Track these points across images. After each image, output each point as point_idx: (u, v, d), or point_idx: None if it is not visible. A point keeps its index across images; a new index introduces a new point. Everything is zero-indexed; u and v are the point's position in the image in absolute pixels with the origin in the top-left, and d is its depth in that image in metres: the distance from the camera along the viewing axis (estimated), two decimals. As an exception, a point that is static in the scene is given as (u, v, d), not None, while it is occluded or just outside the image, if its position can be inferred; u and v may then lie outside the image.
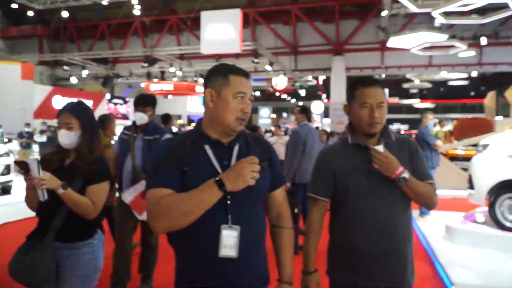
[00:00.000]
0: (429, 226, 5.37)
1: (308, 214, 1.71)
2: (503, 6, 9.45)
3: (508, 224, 4.51)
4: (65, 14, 15.84)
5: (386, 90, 23.48)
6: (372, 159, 1.53)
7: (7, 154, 7.66)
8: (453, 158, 9.93)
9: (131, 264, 3.24)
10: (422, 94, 30.88)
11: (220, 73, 1.36)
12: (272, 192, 1.47)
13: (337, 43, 18.37)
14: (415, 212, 1.46)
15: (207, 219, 1.26)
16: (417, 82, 22.43)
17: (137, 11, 15.44)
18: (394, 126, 32.66)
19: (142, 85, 20.16)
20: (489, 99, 13.97)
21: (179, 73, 19.32)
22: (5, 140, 11.08)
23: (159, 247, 3.44)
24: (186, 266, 1.35)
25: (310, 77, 21.32)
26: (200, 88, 20.38)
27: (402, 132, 27.22)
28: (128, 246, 3.24)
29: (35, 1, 16.06)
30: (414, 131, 17.39)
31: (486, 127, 9.67)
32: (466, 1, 8.44)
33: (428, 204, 1.62)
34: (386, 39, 14.02)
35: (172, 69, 18.92)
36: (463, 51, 13.85)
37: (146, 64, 17.71)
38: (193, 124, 22.07)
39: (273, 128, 17.72)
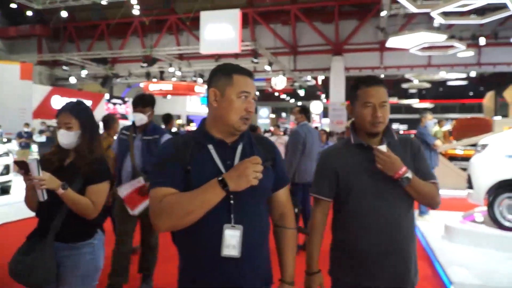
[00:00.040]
0: (428, 226, 5.38)
1: (310, 214, 1.71)
2: (502, 7, 9.47)
3: (507, 224, 4.52)
4: (64, 14, 15.82)
5: (385, 90, 23.32)
6: (375, 159, 1.52)
7: (6, 154, 7.65)
8: (452, 158, 9.95)
9: (130, 265, 3.23)
10: (421, 94, 30.89)
11: (224, 72, 1.36)
12: (276, 192, 1.46)
13: (336, 43, 18.39)
14: (414, 212, 1.48)
15: (210, 218, 1.26)
16: (416, 82, 22.44)
17: (136, 11, 15.43)
18: (393, 126, 32.56)
19: (141, 85, 20.14)
20: (488, 99, 13.97)
21: (178, 73, 19.31)
22: (4, 140, 11.06)
23: (159, 247, 3.44)
24: (189, 265, 1.35)
25: (309, 77, 21.34)
26: (199, 88, 20.37)
27: (401, 132, 27.23)
28: (129, 246, 3.23)
29: (34, 1, 16.04)
30: (413, 131, 17.40)
31: (485, 127, 9.67)
32: (465, 2, 8.46)
33: (431, 203, 1.62)
34: (385, 39, 14.04)
35: (171, 69, 18.91)
36: (462, 51, 13.88)
37: (145, 64, 17.70)
38: (192, 124, 22.09)
39: (272, 128, 17.74)
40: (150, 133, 3.17)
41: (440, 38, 11.75)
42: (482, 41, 14.97)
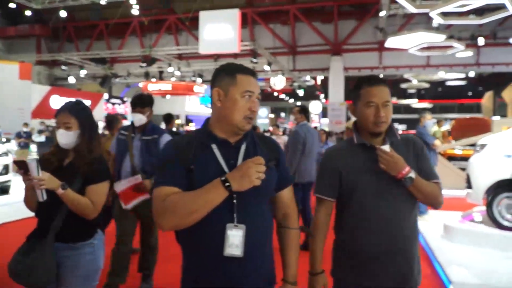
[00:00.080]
0: (428, 226, 5.40)
1: (314, 214, 1.70)
2: (501, 7, 9.49)
3: (506, 223, 4.53)
4: (63, 13, 15.78)
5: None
6: (378, 159, 1.52)
7: (5, 154, 7.64)
8: (451, 158, 9.96)
9: (129, 265, 3.22)
10: (420, 94, 30.94)
11: (227, 72, 1.36)
12: (279, 192, 1.46)
13: (336, 43, 18.40)
14: (417, 212, 1.48)
15: (213, 218, 1.26)
16: (415, 82, 22.47)
17: (135, 11, 15.41)
18: (392, 126, 32.55)
19: (140, 85, 20.12)
20: (487, 99, 14.01)
21: (178, 73, 19.30)
22: (3, 140, 11.04)
23: (159, 247, 3.43)
24: (192, 264, 1.36)
25: (308, 77, 21.34)
26: (198, 88, 20.37)
27: (400, 132, 27.20)
28: (129, 246, 3.22)
29: (33, 0, 16.01)
30: (412, 131, 17.43)
31: (484, 127, 9.69)
32: (464, 2, 8.48)
33: (433, 203, 1.61)
34: (384, 39, 14.05)
35: (170, 69, 18.89)
36: (461, 52, 13.89)
37: (144, 64, 17.68)
38: (191, 124, 22.08)
39: (271, 128, 17.75)
40: (149, 133, 3.16)
41: (439, 38, 11.77)
42: (481, 41, 14.99)
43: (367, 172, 1.57)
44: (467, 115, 21.16)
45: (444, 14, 10.23)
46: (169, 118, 6.06)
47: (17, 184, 7.40)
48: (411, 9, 10.02)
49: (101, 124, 14.57)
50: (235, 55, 18.32)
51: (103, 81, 20.07)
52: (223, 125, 1.36)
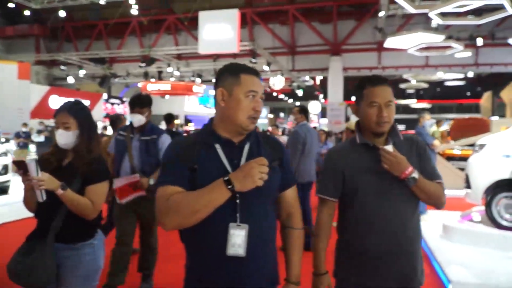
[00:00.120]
0: (427, 225, 5.41)
1: (317, 215, 1.69)
2: (499, 7, 9.51)
3: (504, 223, 4.54)
4: (62, 13, 15.77)
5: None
6: (381, 159, 1.51)
7: (4, 154, 7.63)
8: (450, 158, 9.98)
9: (129, 266, 3.21)
10: (419, 94, 30.98)
11: (231, 72, 1.36)
12: (283, 192, 1.46)
13: (335, 43, 18.43)
14: (419, 212, 1.48)
15: (216, 217, 1.26)
16: (413, 82, 22.49)
17: (134, 10, 15.40)
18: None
19: (140, 85, 20.12)
20: (485, 99, 14.06)
21: (177, 73, 19.29)
22: (2, 140, 11.02)
23: (158, 247, 3.43)
24: (195, 264, 1.36)
25: (307, 77, 21.36)
26: (197, 88, 20.37)
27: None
28: (129, 247, 3.21)
29: (32, 0, 16.00)
30: (411, 131, 17.46)
31: (483, 127, 9.72)
32: (462, 2, 8.51)
33: (436, 203, 1.61)
34: (383, 39, 14.07)
35: (169, 69, 18.89)
36: (460, 52, 13.93)
37: (143, 64, 17.66)
38: (190, 124, 22.07)
39: (270, 128, 17.75)
40: (148, 133, 3.16)
41: (437, 39, 11.80)
42: (479, 41, 15.04)
43: (370, 172, 1.56)
44: (466, 115, 21.22)
45: (443, 15, 10.26)
46: (169, 118, 6.05)
47: (16, 184, 7.39)
48: (410, 9, 10.05)
49: (100, 124, 14.59)
50: (234, 55, 18.31)
51: (102, 81, 20.05)
52: (227, 125, 1.36)
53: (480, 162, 4.85)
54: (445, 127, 11.54)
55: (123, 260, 3.15)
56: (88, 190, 1.90)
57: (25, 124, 12.44)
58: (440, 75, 19.78)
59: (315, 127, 14.64)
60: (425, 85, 22.85)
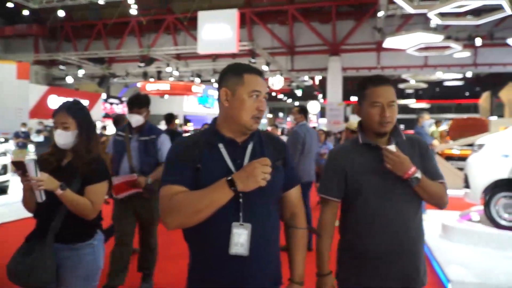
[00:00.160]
0: (426, 225, 5.42)
1: (319, 215, 1.69)
2: (498, 8, 9.53)
3: (503, 223, 4.56)
4: (61, 13, 15.75)
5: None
6: (384, 159, 1.51)
7: (3, 154, 7.62)
8: (449, 157, 10.00)
9: (128, 266, 3.20)
10: (418, 95, 30.99)
11: (235, 72, 1.37)
12: (287, 191, 1.46)
13: (334, 43, 18.44)
14: (422, 212, 1.48)
15: (219, 216, 1.27)
16: (412, 82, 22.51)
17: (133, 10, 15.40)
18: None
19: (139, 85, 20.11)
20: (484, 99, 14.10)
21: (176, 73, 19.29)
22: (1, 140, 11.02)
23: (158, 247, 3.43)
24: (198, 263, 1.36)
25: (306, 77, 21.37)
26: (196, 88, 20.37)
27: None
28: (129, 247, 3.20)
29: (31, 0, 15.97)
30: (410, 131, 17.50)
31: (481, 127, 9.74)
32: (461, 3, 8.52)
33: (439, 203, 1.61)
34: (382, 39, 14.09)
35: (168, 69, 18.89)
36: (458, 52, 13.96)
37: (142, 64, 17.66)
38: (189, 124, 22.06)
39: (269, 128, 17.74)
40: (146, 134, 3.15)
41: (436, 39, 11.82)
42: (478, 41, 15.06)
43: (373, 172, 1.56)
44: (464, 115, 21.25)
45: (442, 15, 10.27)
46: (170, 118, 6.03)
47: (15, 184, 7.38)
48: (409, 9, 10.06)
49: (99, 124, 14.56)
50: (233, 55, 18.32)
51: (101, 81, 20.03)
52: (230, 125, 1.36)
53: (479, 162, 4.87)
54: (444, 127, 11.56)
55: (123, 260, 3.14)
56: (88, 190, 1.90)
57: (24, 124, 12.42)
58: (439, 75, 19.81)
59: (314, 127, 14.68)
60: (424, 85, 22.87)
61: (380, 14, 13.93)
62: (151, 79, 19.87)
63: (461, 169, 7.34)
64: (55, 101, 18.68)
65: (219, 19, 13.17)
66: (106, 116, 21.72)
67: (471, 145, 6.49)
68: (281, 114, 38.66)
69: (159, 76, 20.00)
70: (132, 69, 19.81)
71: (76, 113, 1.93)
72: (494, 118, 11.35)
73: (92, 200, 1.89)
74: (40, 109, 17.78)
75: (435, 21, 10.76)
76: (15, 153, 11.21)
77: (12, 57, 19.46)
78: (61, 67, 19.18)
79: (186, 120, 25.30)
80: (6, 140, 11.62)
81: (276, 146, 1.45)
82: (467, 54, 15.06)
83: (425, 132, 6.30)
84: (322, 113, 24.61)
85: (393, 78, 22.71)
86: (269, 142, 1.44)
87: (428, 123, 7.13)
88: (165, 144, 3.19)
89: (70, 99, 2.04)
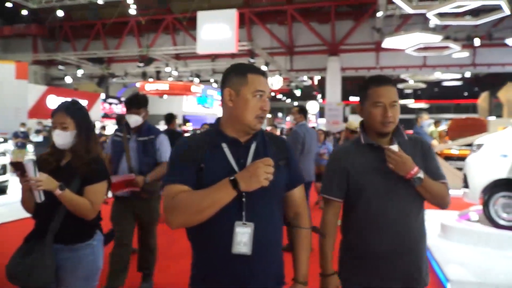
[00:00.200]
0: (425, 224, 5.43)
1: (322, 215, 1.68)
2: (496, 8, 9.56)
3: (502, 222, 4.57)
4: (60, 13, 15.74)
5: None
6: (386, 159, 1.51)
7: (2, 154, 7.62)
8: (448, 157, 10.02)
9: (129, 266, 3.18)
10: (417, 95, 31.02)
11: (238, 72, 1.37)
12: (290, 191, 1.46)
13: (333, 43, 18.47)
14: (424, 212, 1.46)
15: (222, 216, 1.27)
16: (411, 82, 22.56)
17: (132, 10, 15.40)
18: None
19: (138, 85, 20.10)
20: (482, 99, 14.14)
21: (175, 73, 19.30)
22: (1, 140, 10.99)
23: (159, 247, 3.43)
24: (201, 262, 1.37)
25: (305, 77, 21.40)
26: (195, 88, 20.37)
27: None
28: (129, 248, 3.18)
29: (29, 0, 15.95)
30: (409, 131, 17.52)
31: (480, 127, 9.76)
32: (460, 3, 8.55)
33: (441, 203, 1.60)
34: (381, 39, 14.11)
35: (167, 69, 18.90)
36: (457, 52, 13.99)
37: (141, 64, 17.66)
38: (188, 124, 22.07)
39: (268, 128, 17.76)
40: (145, 134, 3.13)
41: (435, 39, 11.84)
42: (476, 42, 15.10)
43: (375, 173, 1.56)
44: (463, 115, 21.27)
45: (441, 15, 10.30)
46: (170, 118, 6.01)
47: (15, 184, 7.37)
48: (408, 9, 10.09)
49: (98, 124, 14.55)
50: (232, 55, 18.34)
51: (100, 81, 20.03)
52: (234, 125, 1.37)
53: (478, 162, 4.88)
54: (443, 127, 11.57)
55: (122, 261, 3.12)
56: (87, 190, 1.89)
57: (23, 124, 12.41)
58: (437, 75, 19.86)
59: (313, 127, 14.68)
60: (423, 85, 22.92)
61: (379, 14, 13.96)
62: (150, 79, 19.87)
63: (460, 169, 7.36)
64: (54, 101, 18.67)
65: (218, 19, 13.17)
66: (105, 116, 21.71)
67: (470, 145, 6.50)
68: (280, 114, 38.68)
69: (158, 76, 20.00)
70: (131, 69, 19.81)
71: (75, 113, 1.93)
72: (492, 118, 11.37)
73: (91, 200, 1.88)
74: (39, 109, 17.77)
75: (434, 21, 10.79)
76: (14, 153, 11.16)
77: (11, 57, 19.45)
78: (60, 67, 19.17)
79: (185, 120, 25.30)
80: (5, 140, 11.60)
81: (279, 146, 1.45)
82: (465, 54, 15.10)
83: (424, 132, 6.32)
84: (321, 113, 24.63)
85: (392, 78, 22.75)
86: (272, 142, 1.44)
87: (427, 123, 7.14)
88: (163, 144, 3.18)
89: (69, 99, 2.04)
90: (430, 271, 3.89)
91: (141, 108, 3.11)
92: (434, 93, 31.66)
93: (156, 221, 3.29)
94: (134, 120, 3.10)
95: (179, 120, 24.77)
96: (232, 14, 13.15)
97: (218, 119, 1.44)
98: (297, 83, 21.72)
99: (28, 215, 1.98)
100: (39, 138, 12.12)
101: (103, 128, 13.49)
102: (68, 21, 20.35)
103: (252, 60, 15.63)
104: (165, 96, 20.95)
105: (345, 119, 17.51)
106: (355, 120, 6.53)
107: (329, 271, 1.62)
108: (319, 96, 25.55)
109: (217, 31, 13.17)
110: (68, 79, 20.16)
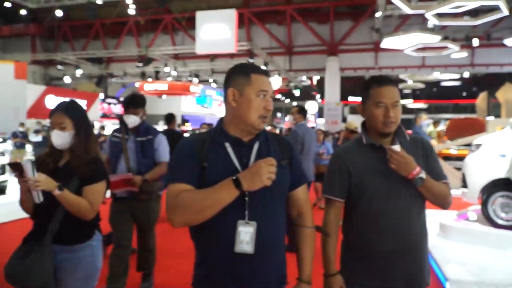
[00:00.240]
0: (426, 225, 5.44)
1: (323, 215, 1.68)
2: (495, 8, 9.59)
3: (500, 222, 4.58)
4: (59, 13, 15.73)
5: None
6: (388, 159, 1.51)
7: (2, 154, 7.62)
8: (446, 157, 10.04)
9: (129, 268, 3.15)
10: (415, 95, 31.07)
11: (242, 72, 1.38)
12: (293, 191, 1.46)
13: (332, 43, 18.48)
14: (426, 212, 1.46)
15: (225, 215, 1.27)
16: (410, 82, 22.58)
17: (131, 10, 15.40)
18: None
19: (137, 84, 20.07)
20: (481, 99, 14.15)
21: (174, 73, 19.28)
22: (-1, 140, 10.99)
23: (159, 246, 3.42)
24: (203, 261, 1.37)
25: (304, 77, 21.41)
26: (194, 88, 20.35)
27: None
28: (128, 249, 3.15)
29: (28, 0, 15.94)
30: (408, 131, 17.52)
31: (479, 127, 9.78)
32: (458, 3, 8.57)
33: (443, 203, 1.60)
34: (380, 40, 14.13)
35: (166, 69, 18.87)
36: (456, 52, 14.00)
37: (140, 64, 17.64)
38: (187, 124, 22.06)
39: (268, 128, 17.75)
40: (143, 134, 3.12)
41: (434, 39, 11.86)
42: (475, 42, 15.13)
43: (377, 173, 1.56)
44: (462, 116, 21.31)
45: (439, 15, 10.32)
46: (170, 118, 6.00)
47: (14, 184, 7.36)
48: (406, 10, 10.10)
49: (96, 124, 14.53)
50: (231, 55, 18.34)
51: (99, 81, 20.01)
52: (237, 124, 1.38)
53: (476, 162, 4.89)
54: (442, 127, 11.59)
55: (123, 263, 3.09)
56: (86, 190, 1.89)
57: (22, 124, 12.38)
58: (436, 75, 19.89)
59: (313, 127, 14.70)
60: (422, 85, 22.95)
61: (378, 14, 13.97)
62: (149, 79, 19.84)
63: (458, 169, 7.38)
64: (52, 101, 18.61)
65: (217, 19, 13.18)
66: (104, 116, 21.68)
67: (468, 145, 6.52)
68: (279, 114, 38.68)
69: (157, 76, 19.98)
70: (130, 69, 19.79)
71: (73, 113, 1.92)
72: (491, 118, 11.39)
73: (90, 201, 1.88)
74: (37, 109, 17.73)
75: (432, 21, 10.81)
76: (13, 153, 11.18)
77: (9, 56, 19.43)
78: (59, 67, 19.14)
79: (184, 120, 25.28)
80: (4, 140, 11.58)
81: (282, 146, 1.45)
82: (464, 54, 15.12)
83: (423, 132, 6.34)
84: (320, 113, 24.65)
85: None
86: (275, 141, 1.45)
87: (426, 123, 7.16)
88: (162, 144, 3.17)
89: (68, 99, 2.03)
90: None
91: (138, 108, 3.09)
92: (432, 93, 31.71)
93: (154, 221, 3.28)
94: (132, 120, 3.09)
95: (178, 120, 24.81)
96: (231, 14, 13.16)
97: (221, 119, 1.45)
98: (296, 83, 21.73)
99: (27, 215, 1.97)
100: (38, 138, 12.09)
101: (102, 128, 13.47)
102: (67, 21, 20.32)
103: (251, 60, 15.63)
104: (164, 96, 20.91)
105: (344, 119, 17.56)
106: (354, 120, 6.54)
107: (332, 271, 1.62)
108: (318, 96, 25.58)
109: (216, 31, 13.17)
110: (67, 79, 20.12)
